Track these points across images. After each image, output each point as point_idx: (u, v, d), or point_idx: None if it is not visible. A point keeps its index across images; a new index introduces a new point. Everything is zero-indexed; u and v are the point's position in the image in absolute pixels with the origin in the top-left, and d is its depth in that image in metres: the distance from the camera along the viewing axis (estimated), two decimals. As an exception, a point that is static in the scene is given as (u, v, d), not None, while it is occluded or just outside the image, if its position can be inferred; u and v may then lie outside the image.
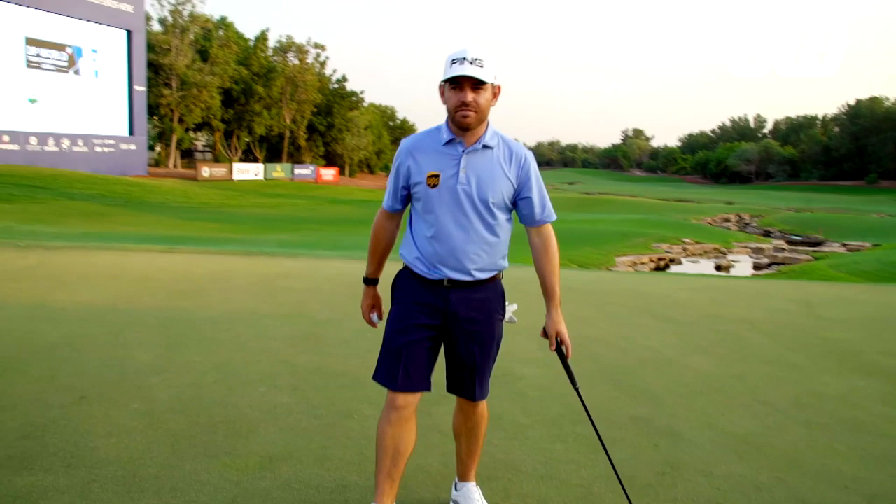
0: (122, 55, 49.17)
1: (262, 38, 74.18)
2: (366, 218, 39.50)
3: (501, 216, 2.99)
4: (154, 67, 59.32)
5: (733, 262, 30.42)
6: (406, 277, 3.06)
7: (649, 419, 4.63)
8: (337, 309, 7.69)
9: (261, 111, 70.78)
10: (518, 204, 3.03)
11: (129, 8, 49.09)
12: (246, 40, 73.40)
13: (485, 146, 2.94)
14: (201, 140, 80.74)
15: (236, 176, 57.66)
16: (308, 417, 4.38)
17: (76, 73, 45.79)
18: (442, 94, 2.91)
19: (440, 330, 3.01)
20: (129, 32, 49.27)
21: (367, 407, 4.58)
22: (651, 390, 5.26)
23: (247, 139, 73.72)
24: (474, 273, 2.96)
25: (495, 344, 3.08)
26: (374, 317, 3.31)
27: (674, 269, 27.37)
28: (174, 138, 64.92)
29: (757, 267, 29.41)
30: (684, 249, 31.66)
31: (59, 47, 44.22)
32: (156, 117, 63.87)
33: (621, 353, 6.34)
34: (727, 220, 54.84)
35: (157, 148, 68.81)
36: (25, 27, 41.87)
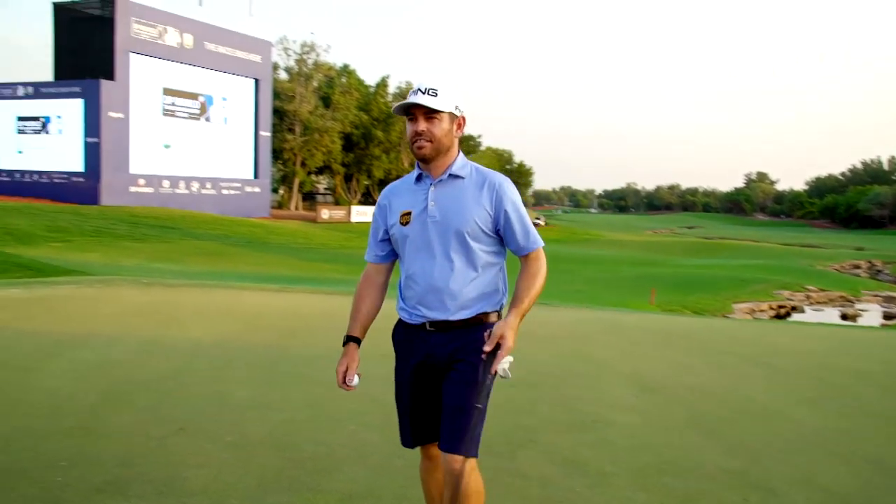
0: (250, 102, 51.44)
1: (383, 84, 76.16)
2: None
3: (480, 248, 2.82)
4: (279, 114, 61.71)
5: (861, 311, 28.96)
6: (397, 329, 2.99)
7: (742, 473, 4.45)
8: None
9: (380, 155, 72.46)
10: (502, 236, 2.86)
11: (257, 58, 51.42)
12: (367, 87, 75.52)
13: (452, 175, 2.85)
14: (322, 183, 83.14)
15: (355, 218, 58.99)
16: (393, 457, 4.42)
17: (207, 120, 48.21)
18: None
19: (431, 376, 2.88)
20: (256, 81, 51.59)
21: (452, 448, 4.59)
22: (747, 442, 5.06)
23: (366, 182, 75.54)
24: (454, 311, 2.80)
25: (480, 392, 2.71)
26: (354, 380, 2.98)
27: (795, 317, 26.32)
28: (296, 181, 67.23)
29: (888, 317, 27.89)
30: (808, 297, 30.40)
31: (193, 96, 46.70)
32: (279, 161, 66.39)
33: (720, 403, 6.13)
34: (857, 267, 52.35)
35: (280, 191, 71.37)
36: (163, 78, 44.47)
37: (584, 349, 8.07)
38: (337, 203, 71.52)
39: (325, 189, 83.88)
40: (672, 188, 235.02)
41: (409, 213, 2.84)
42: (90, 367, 6.26)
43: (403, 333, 2.95)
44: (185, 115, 46.44)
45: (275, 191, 66.87)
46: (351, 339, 3.01)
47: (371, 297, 3.01)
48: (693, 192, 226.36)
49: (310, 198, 77.18)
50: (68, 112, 41.96)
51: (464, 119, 2.91)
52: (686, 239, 73.26)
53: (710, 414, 5.78)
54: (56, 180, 42.46)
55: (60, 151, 42.40)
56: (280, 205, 67.63)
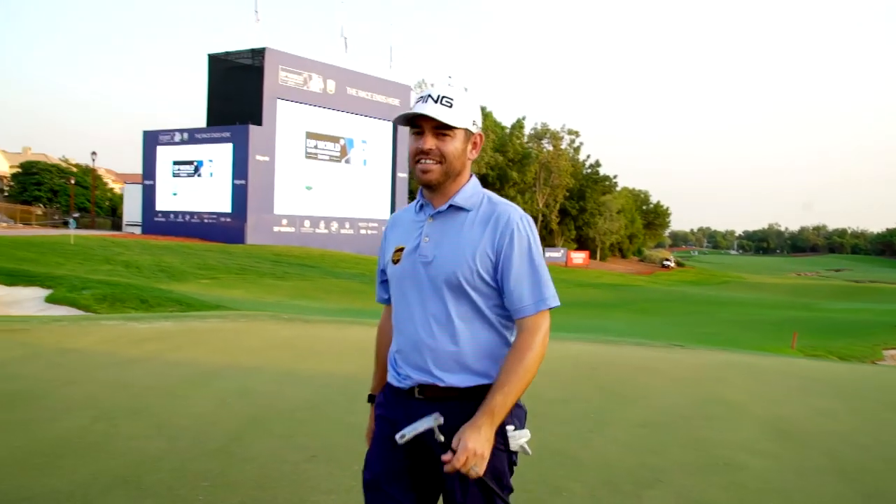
0: (388, 145, 52.93)
1: (518, 125, 76.81)
2: (616, 302, 39.20)
3: (484, 301, 2.26)
4: (416, 156, 63.06)
5: None
6: (383, 393, 2.46)
7: (884, 523, 4.25)
8: (567, 389, 7.72)
9: (515, 196, 72.87)
10: (500, 285, 2.27)
11: (396, 102, 52.95)
12: (503, 128, 76.33)
13: (453, 207, 2.30)
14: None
15: (488, 258, 59.30)
16: (519, 491, 4.44)
17: (347, 162, 49.88)
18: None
19: (419, 460, 2.31)
20: (395, 124, 53.00)
21: (578, 486, 4.58)
22: (890, 492, 4.82)
23: (500, 223, 76.00)
24: (443, 376, 2.23)
25: (491, 481, 2.20)
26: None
27: (956, 366, 24.63)
28: (432, 222, 68.34)
29: None
30: (970, 345, 28.42)
31: (334, 139, 48.50)
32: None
33: (862, 451, 5.85)
34: None
35: (416, 231, 72.68)
36: (307, 122, 46.47)
37: (718, 391, 7.86)
38: (471, 243, 72.22)
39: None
40: (818, 229, 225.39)
41: (401, 250, 2.35)
42: (232, 394, 6.58)
43: (386, 396, 2.41)
44: (327, 157, 48.28)
45: (411, 231, 68.17)
46: (375, 398, 2.53)
47: (386, 346, 2.53)
48: (841, 233, 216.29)
49: (445, 238, 78.29)
50: (219, 156, 44.37)
51: (481, 137, 2.41)
52: (833, 282, 69.99)
53: (850, 461, 5.52)
54: (206, 220, 44.82)
55: (211, 193, 44.82)
56: (416, 245, 68.81)
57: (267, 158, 43.94)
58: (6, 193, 75.22)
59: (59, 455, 4.65)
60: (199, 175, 45.81)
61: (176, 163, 46.74)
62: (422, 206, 2.38)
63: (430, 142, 2.25)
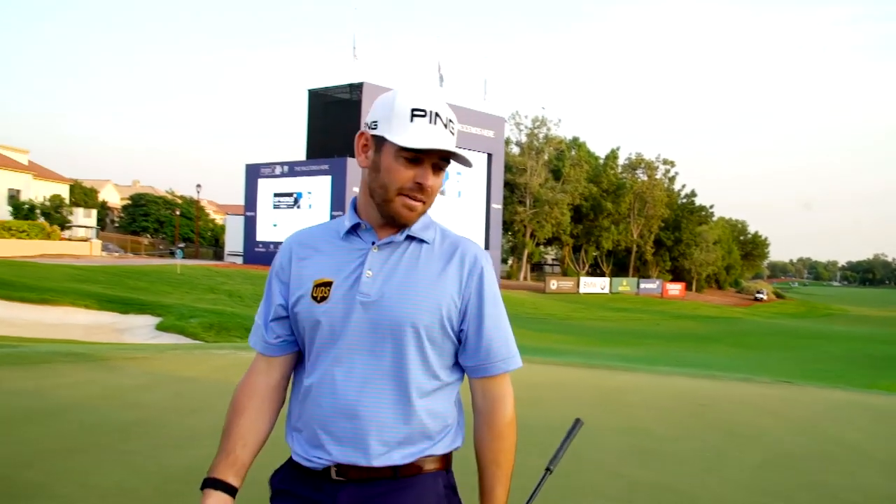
0: (483, 176, 53.22)
1: (612, 156, 76.26)
2: (713, 334, 38.29)
3: (435, 355, 1.78)
4: (510, 186, 63.34)
5: None
6: (281, 473, 1.86)
7: None
8: (676, 426, 7.61)
9: (609, 226, 72.21)
10: (462, 340, 1.82)
11: (490, 134, 53.33)
12: (596, 158, 75.92)
13: (411, 237, 1.82)
14: (550, 254, 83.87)
15: (583, 289, 58.85)
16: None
17: (442, 193, 50.16)
18: (365, 150, 1.78)
19: None
20: (489, 156, 53.40)
21: (698, 527, 4.51)
22: None
23: (594, 253, 75.35)
24: (383, 452, 1.73)
25: None
26: None
27: None
28: (525, 252, 68.26)
29: None
30: None
31: (429, 171, 49.10)
32: (509, 233, 67.88)
33: None
34: None
35: (510, 261, 72.68)
36: (402, 154, 47.20)
37: (836, 432, 7.62)
38: (565, 274, 71.77)
39: (553, 260, 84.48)
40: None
41: (327, 285, 1.76)
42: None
43: (291, 481, 1.82)
44: (422, 189, 48.87)
45: (504, 261, 68.19)
46: (215, 484, 1.77)
47: (254, 412, 1.84)
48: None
49: (538, 268, 78.05)
50: (318, 188, 45.42)
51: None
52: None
53: None
54: (305, 251, 45.76)
55: (309, 224, 45.58)
56: (509, 275, 68.83)
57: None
58: (117, 224, 78.54)
59: (190, 483, 4.84)
60: (298, 206, 46.98)
61: (276, 195, 48.06)
62: (353, 228, 1.81)
63: (430, 178, 1.77)
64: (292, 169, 47.63)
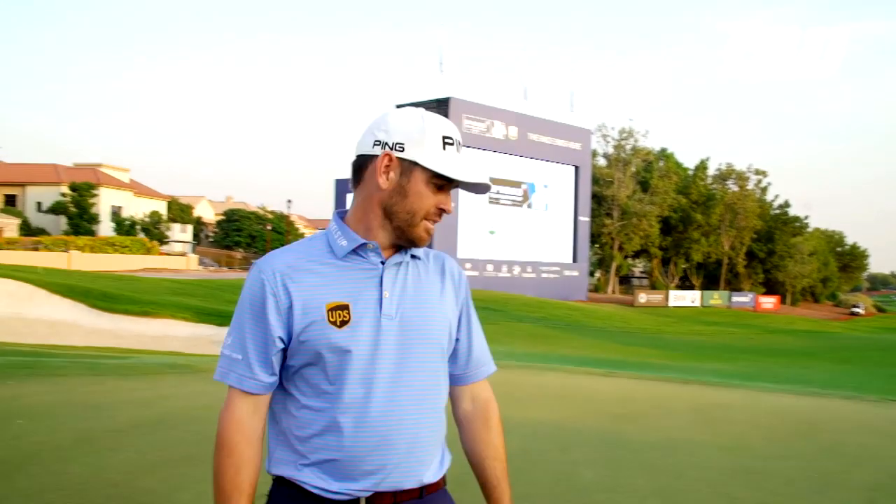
0: (570, 189, 53.04)
1: (702, 166, 74.91)
2: (811, 349, 37.11)
3: (444, 366, 1.87)
4: (597, 199, 62.89)
5: None
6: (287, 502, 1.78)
7: None
8: (780, 445, 7.43)
9: (699, 238, 70.89)
10: (454, 348, 1.92)
11: (577, 146, 53.12)
12: (685, 169, 74.72)
13: (415, 256, 1.86)
14: (639, 267, 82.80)
15: (672, 302, 57.86)
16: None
17: (529, 206, 50.36)
18: (387, 172, 1.75)
19: None
20: (576, 168, 53.21)
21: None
22: None
23: (684, 266, 74.06)
24: (426, 473, 1.80)
25: None
26: None
27: None
28: (613, 265, 67.62)
29: None
30: None
31: (516, 184, 49.17)
32: (597, 245, 67.37)
33: None
34: None
35: (597, 274, 72.06)
36: (490, 168, 47.42)
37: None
38: (654, 287, 70.70)
39: (642, 272, 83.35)
40: None
41: (344, 308, 1.72)
42: (451, 441, 6.78)
43: None
44: (509, 202, 48.96)
45: (591, 274, 67.65)
46: None
47: (256, 458, 1.76)
48: None
49: (626, 281, 77.12)
50: (407, 202, 45.95)
51: None
52: None
53: None
54: (392, 264, 46.42)
55: (397, 238, 46.40)
56: (597, 288, 68.25)
57: (451, 204, 45.05)
58: (211, 239, 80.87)
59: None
60: (384, 220, 47.61)
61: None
62: (358, 248, 1.78)
63: (450, 203, 1.82)
64: (380, 184, 48.29)
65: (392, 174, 1.74)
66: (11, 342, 16.24)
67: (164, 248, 61.91)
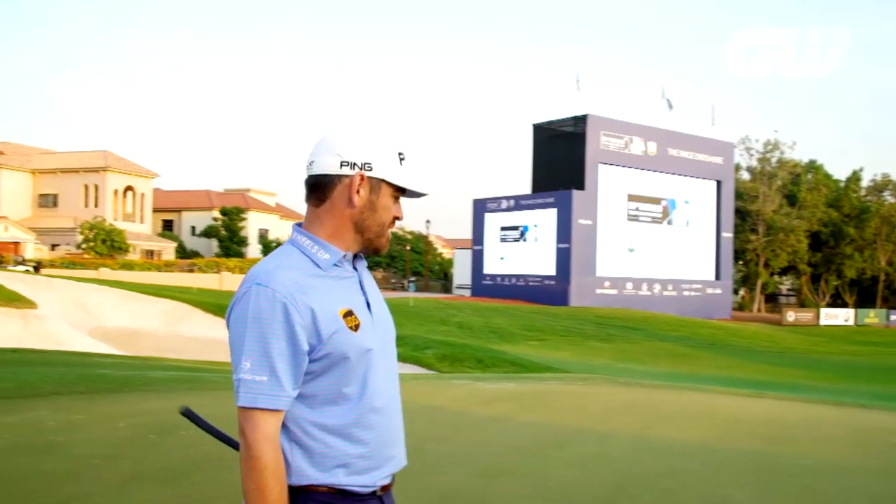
0: (712, 204, 51.67)
1: (855, 178, 71.26)
2: (979, 372, 34.64)
3: None
4: (741, 214, 60.90)
5: None
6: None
7: None
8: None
9: (852, 254, 67.39)
10: None
11: (719, 160, 51.76)
12: (836, 182, 71.30)
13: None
14: (786, 284, 79.44)
15: (823, 321, 55.23)
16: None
17: (669, 223, 49.35)
18: (357, 191, 1.90)
19: None
20: (718, 183, 51.79)
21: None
22: None
23: (835, 283, 70.55)
24: (403, 458, 2.04)
25: None
26: None
27: None
28: (759, 283, 65.15)
29: None
30: None
31: (656, 201, 48.34)
32: (741, 262, 65.10)
33: None
34: None
35: (741, 292, 69.63)
36: (628, 185, 46.94)
37: None
38: (803, 305, 67.66)
39: (789, 290, 79.92)
40: None
41: (352, 314, 1.88)
42: (591, 459, 6.83)
43: None
44: (649, 219, 48.16)
45: (735, 292, 65.46)
46: None
47: (285, 475, 1.84)
48: None
49: (772, 299, 74.08)
50: (543, 221, 45.99)
51: None
52: None
53: None
54: (531, 283, 46.42)
55: (535, 257, 46.44)
56: (741, 306, 65.97)
57: (590, 222, 44.78)
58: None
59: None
60: (524, 239, 47.71)
61: (503, 228, 49.09)
62: (335, 263, 1.91)
63: (401, 211, 2.01)
64: (518, 203, 48.49)
65: (362, 192, 1.89)
66: (171, 357, 17.27)
67: (310, 268, 64.25)
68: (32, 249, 52.94)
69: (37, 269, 39.87)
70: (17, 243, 51.96)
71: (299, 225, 1.96)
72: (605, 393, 11.81)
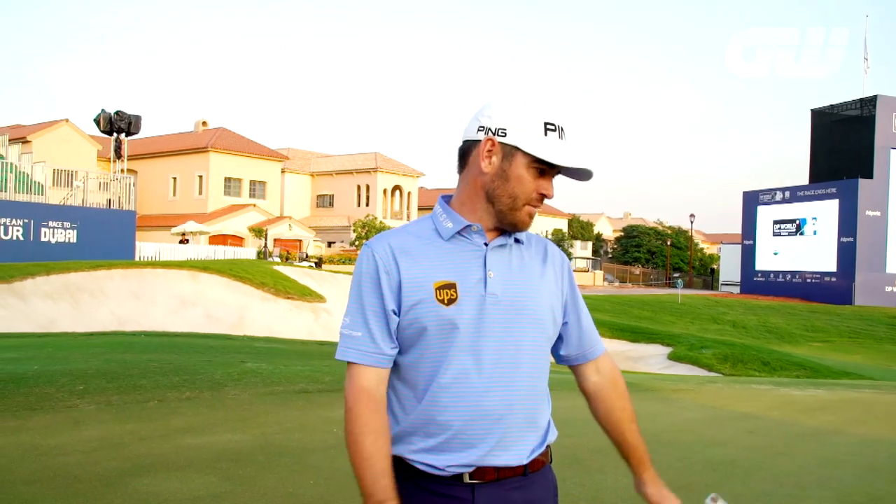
0: None
1: None
2: None
3: (548, 347, 1.91)
4: None
5: None
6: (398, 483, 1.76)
7: None
8: None
9: None
10: (561, 332, 1.95)
11: None
12: None
13: (518, 240, 1.88)
14: None
15: None
16: None
17: None
18: (489, 156, 1.78)
19: None
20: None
21: None
22: None
23: None
24: (529, 449, 1.82)
25: None
26: None
27: None
28: None
29: None
30: None
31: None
32: None
33: None
34: None
35: None
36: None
37: None
38: None
39: None
40: None
41: (451, 286, 1.78)
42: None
43: (415, 492, 1.79)
44: None
45: None
46: None
47: (388, 428, 1.80)
48: None
49: None
50: (823, 213, 42.60)
51: None
52: None
53: None
54: (809, 280, 43.18)
55: (813, 252, 43.12)
56: None
57: (878, 213, 40.73)
58: (610, 255, 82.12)
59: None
60: (801, 233, 44.36)
61: (776, 222, 45.97)
62: (462, 230, 1.83)
63: (552, 190, 1.84)
64: (794, 194, 45.21)
65: (494, 158, 1.78)
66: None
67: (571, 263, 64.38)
68: (312, 246, 56.80)
69: (318, 264, 42.47)
70: (300, 241, 55.91)
71: (447, 195, 1.92)
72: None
